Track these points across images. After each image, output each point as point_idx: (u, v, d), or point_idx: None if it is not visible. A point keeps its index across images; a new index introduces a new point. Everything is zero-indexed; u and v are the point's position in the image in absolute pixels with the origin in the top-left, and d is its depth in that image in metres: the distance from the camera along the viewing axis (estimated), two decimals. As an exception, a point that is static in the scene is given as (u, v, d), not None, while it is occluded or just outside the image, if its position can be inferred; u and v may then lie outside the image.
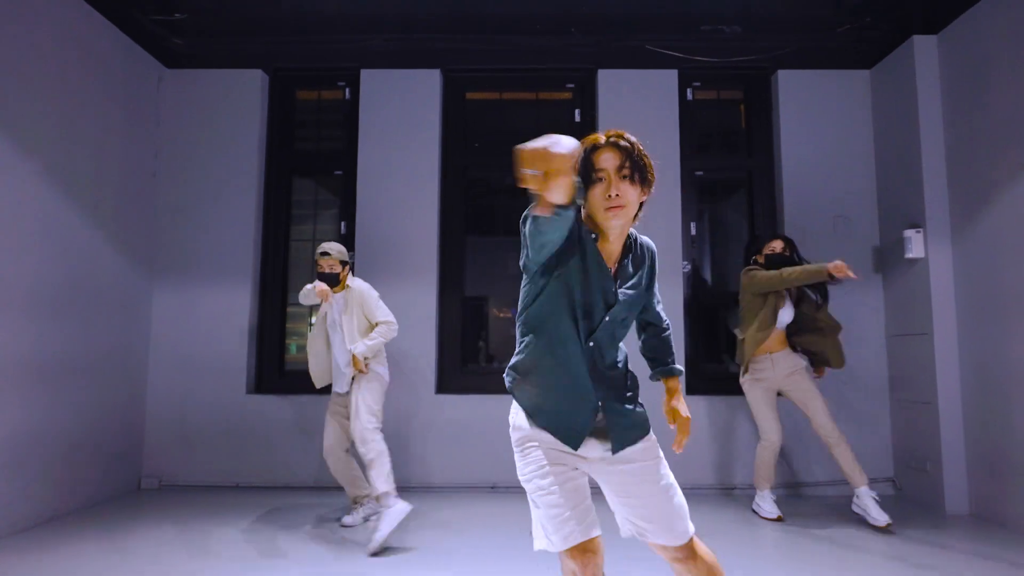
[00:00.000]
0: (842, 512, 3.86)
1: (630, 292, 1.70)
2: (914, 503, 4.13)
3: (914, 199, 4.19)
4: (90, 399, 3.96)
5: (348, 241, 4.75)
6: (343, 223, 4.85)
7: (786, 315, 3.79)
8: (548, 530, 1.58)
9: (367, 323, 3.60)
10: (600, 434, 1.67)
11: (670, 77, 4.78)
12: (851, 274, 3.41)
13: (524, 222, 1.54)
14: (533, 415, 1.68)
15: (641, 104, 4.75)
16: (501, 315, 5.19)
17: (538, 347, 1.68)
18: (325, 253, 3.59)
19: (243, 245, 4.68)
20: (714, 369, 4.83)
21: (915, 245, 4.08)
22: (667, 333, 1.95)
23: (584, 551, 1.55)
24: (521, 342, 1.72)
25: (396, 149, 4.75)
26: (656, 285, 1.85)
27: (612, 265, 1.69)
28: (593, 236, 1.65)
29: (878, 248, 4.57)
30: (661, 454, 1.73)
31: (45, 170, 3.61)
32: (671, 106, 4.75)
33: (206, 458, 4.50)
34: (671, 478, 1.71)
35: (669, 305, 4.56)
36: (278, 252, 4.86)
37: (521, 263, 1.67)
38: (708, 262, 5.12)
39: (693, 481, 4.40)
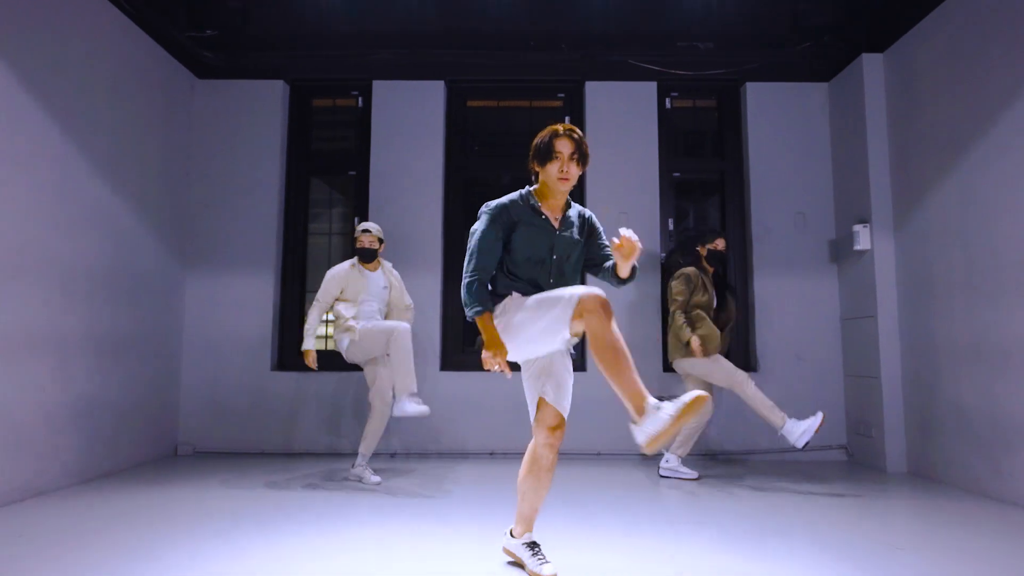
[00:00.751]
0: (768, 474, 4.42)
1: (568, 236, 2.40)
2: (862, 466, 4.69)
3: (862, 197, 4.75)
4: (135, 373, 4.50)
5: (361, 234, 5.30)
6: (356, 219, 5.39)
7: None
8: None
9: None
10: None
11: (650, 88, 5.34)
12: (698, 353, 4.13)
13: (473, 236, 2.42)
14: None
15: (624, 112, 5.30)
16: None
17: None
18: (367, 230, 4.15)
19: (266, 237, 5.22)
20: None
21: (862, 238, 4.64)
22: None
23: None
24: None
25: (405, 152, 5.30)
26: (603, 239, 2.53)
27: (556, 218, 2.41)
28: (533, 202, 2.40)
29: (833, 241, 5.14)
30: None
31: (98, 167, 4.14)
32: (651, 114, 5.31)
33: (234, 428, 5.03)
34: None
35: (647, 295, 5.12)
36: (297, 244, 5.40)
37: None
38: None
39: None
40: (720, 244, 4.39)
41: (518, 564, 2.46)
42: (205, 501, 3.51)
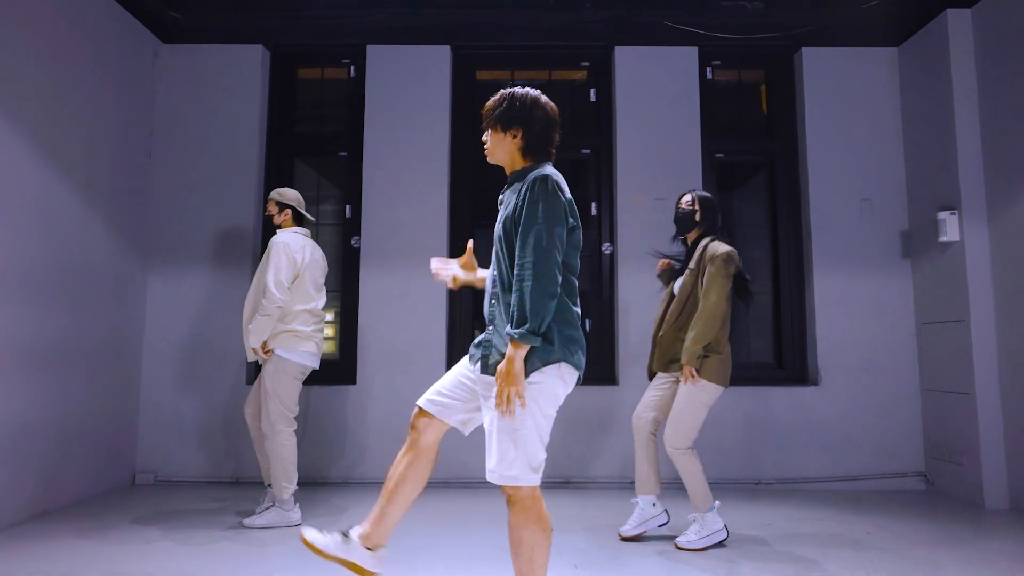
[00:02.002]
0: (836, 508, 3.68)
1: (502, 216, 1.93)
2: (949, 498, 3.95)
3: (947, 180, 4.01)
4: (82, 390, 3.74)
5: (354, 225, 4.55)
6: (348, 206, 4.64)
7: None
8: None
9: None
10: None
11: (690, 55, 4.59)
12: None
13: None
14: None
15: (659, 83, 4.56)
16: None
17: None
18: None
19: (242, 229, 4.47)
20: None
21: (949, 228, 3.91)
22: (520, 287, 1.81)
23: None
24: None
25: (404, 130, 4.54)
26: (526, 218, 1.82)
27: (501, 199, 2.02)
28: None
29: (906, 232, 4.40)
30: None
31: (34, 145, 3.37)
32: (691, 85, 4.57)
33: (203, 452, 4.28)
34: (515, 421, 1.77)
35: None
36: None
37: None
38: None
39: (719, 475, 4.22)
40: (683, 201, 3.16)
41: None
42: (161, 543, 2.79)
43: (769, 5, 4.51)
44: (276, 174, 4.68)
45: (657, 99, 4.55)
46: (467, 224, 4.66)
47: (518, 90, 2.00)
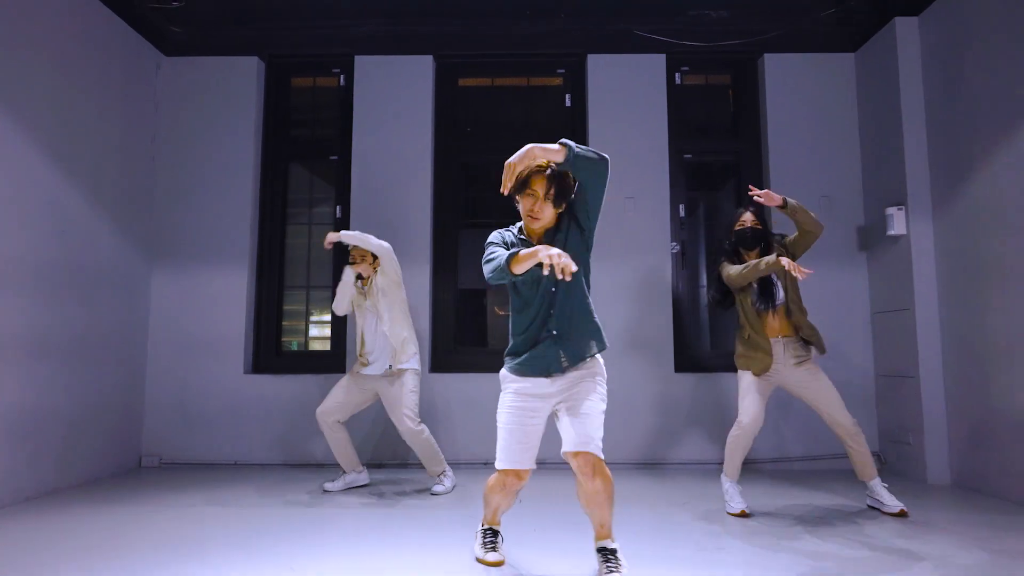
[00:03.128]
0: (802, 486, 3.95)
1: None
2: (898, 475, 4.21)
3: (896, 178, 4.27)
4: (90, 378, 4.06)
5: (343, 224, 4.85)
6: (338, 207, 4.94)
7: (778, 293, 3.35)
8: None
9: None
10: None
11: (658, 61, 4.87)
12: (802, 273, 3.02)
13: (488, 247, 2.27)
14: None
15: (630, 88, 4.83)
16: (501, 313, 5.18)
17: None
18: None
19: (240, 228, 4.78)
20: (699, 348, 4.92)
21: (897, 222, 4.17)
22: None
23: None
24: None
25: (389, 135, 4.84)
26: (589, 218, 2.30)
27: (536, 239, 2.29)
28: (521, 232, 2.35)
29: (862, 227, 4.66)
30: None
31: (46, 152, 3.70)
32: (659, 90, 4.84)
33: (205, 437, 4.59)
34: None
35: (657, 285, 4.65)
36: (275, 235, 4.96)
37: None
38: (703, 243, 5.20)
39: (683, 457, 4.49)
40: (747, 220, 3.40)
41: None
42: (169, 519, 3.09)
43: (733, 14, 4.81)
44: (271, 177, 4.99)
45: (628, 103, 4.82)
46: (449, 223, 4.95)
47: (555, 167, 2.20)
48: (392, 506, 3.44)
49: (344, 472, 3.83)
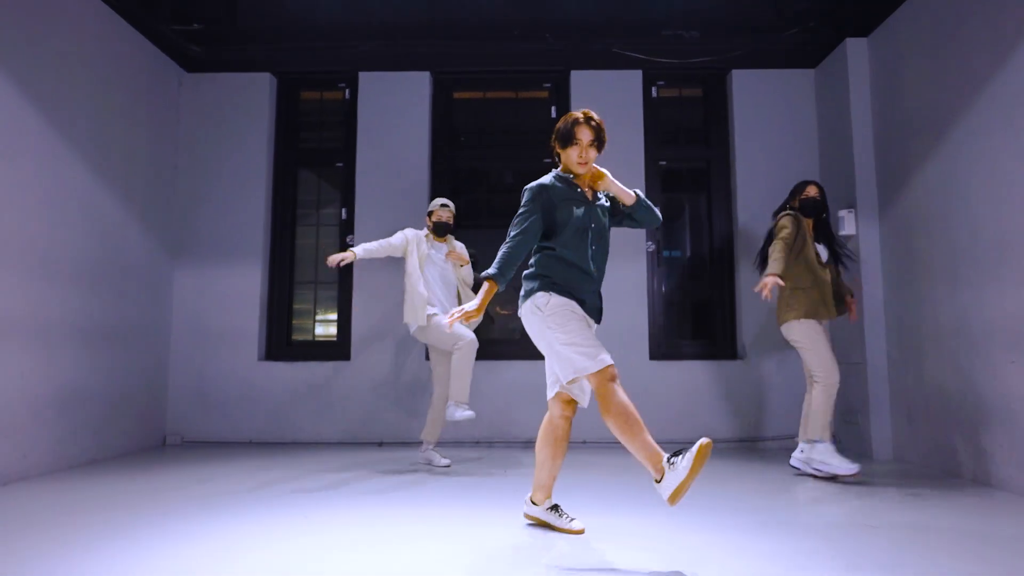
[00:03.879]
0: (755, 461, 4.40)
1: (600, 205, 2.64)
2: (850, 453, 4.64)
3: (848, 183, 4.72)
4: (122, 363, 4.54)
5: (349, 226, 5.33)
6: (344, 210, 5.42)
7: (823, 257, 3.92)
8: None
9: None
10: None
11: (635, 77, 5.33)
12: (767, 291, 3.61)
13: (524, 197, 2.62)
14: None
15: (610, 101, 5.29)
16: (503, 312, 5.59)
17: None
18: (445, 204, 4.28)
19: (254, 229, 5.26)
20: (674, 340, 5.37)
21: (848, 223, 4.61)
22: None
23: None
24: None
25: (391, 143, 5.32)
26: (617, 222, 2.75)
27: (588, 191, 2.64)
28: (570, 177, 2.63)
29: (820, 228, 5.10)
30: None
31: (84, 160, 4.18)
32: (636, 103, 5.31)
33: (222, 418, 5.07)
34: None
35: (634, 282, 5.11)
36: (286, 235, 5.44)
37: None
38: (686, 245, 5.66)
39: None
40: (811, 191, 3.92)
41: (542, 525, 2.69)
42: (188, 490, 3.54)
43: (704, 34, 5.26)
44: (283, 182, 5.47)
45: (607, 115, 5.13)
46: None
47: (597, 116, 2.62)
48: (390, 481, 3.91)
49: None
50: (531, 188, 2.59)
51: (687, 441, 4.87)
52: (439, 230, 4.27)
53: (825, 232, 4.00)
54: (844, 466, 3.62)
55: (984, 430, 3.53)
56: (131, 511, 2.93)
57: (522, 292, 2.59)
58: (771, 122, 5.24)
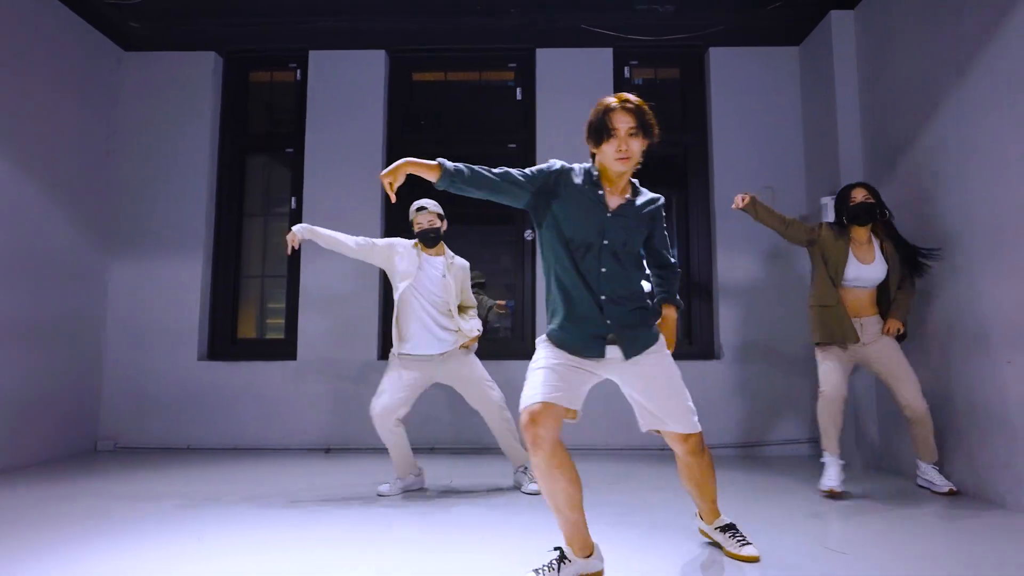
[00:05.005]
0: (736, 468, 4.03)
1: (625, 220, 2.11)
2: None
3: (832, 168, 4.35)
4: (41, 362, 4.17)
5: (297, 216, 4.96)
6: (293, 199, 5.05)
7: (870, 272, 3.36)
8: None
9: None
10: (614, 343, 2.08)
11: (606, 55, 4.96)
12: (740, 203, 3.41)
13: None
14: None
15: (578, 82, 4.92)
16: (501, 312, 5.21)
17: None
18: (422, 208, 3.40)
19: (196, 219, 4.89)
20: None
21: (830, 211, 4.22)
22: (672, 273, 2.35)
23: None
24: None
25: (342, 128, 4.95)
26: (664, 233, 2.30)
27: (615, 198, 2.12)
28: (595, 176, 2.12)
29: (804, 216, 4.73)
30: (670, 358, 2.18)
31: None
32: (607, 83, 4.93)
33: (160, 422, 4.71)
34: (679, 380, 2.15)
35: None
36: (231, 226, 5.07)
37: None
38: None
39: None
40: (858, 194, 3.36)
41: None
42: (117, 499, 3.18)
43: (680, 8, 4.87)
44: (228, 170, 5.10)
45: (576, 96, 4.87)
46: (398, 215, 5.05)
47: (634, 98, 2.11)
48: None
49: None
50: (551, 162, 2.17)
51: (660, 447, 4.53)
52: (425, 240, 3.43)
53: (894, 238, 3.41)
54: (831, 482, 3.25)
55: (977, 438, 3.16)
56: (49, 525, 2.58)
57: None
58: (753, 103, 4.86)
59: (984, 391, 3.12)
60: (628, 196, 2.16)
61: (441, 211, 3.46)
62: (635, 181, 2.22)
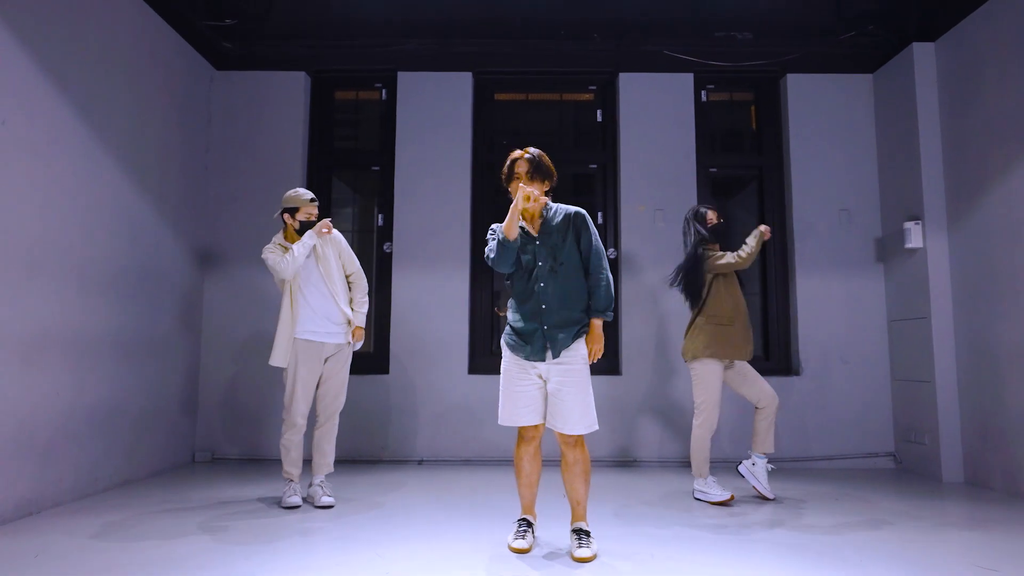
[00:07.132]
0: (800, 482, 4.20)
1: (550, 241, 2.67)
2: (914, 474, 4.47)
3: (913, 193, 4.53)
4: (155, 376, 4.29)
5: (387, 232, 5.10)
6: (380, 215, 5.19)
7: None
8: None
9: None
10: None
11: (686, 80, 5.13)
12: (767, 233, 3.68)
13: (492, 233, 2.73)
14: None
15: (659, 105, 5.09)
16: (501, 314, 5.39)
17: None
18: (314, 199, 3.60)
19: (288, 235, 5.00)
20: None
21: (914, 236, 4.42)
22: (601, 283, 2.68)
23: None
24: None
25: (430, 146, 5.09)
26: (592, 243, 2.70)
27: (533, 227, 2.72)
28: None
29: (880, 239, 4.92)
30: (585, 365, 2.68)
31: (120, 162, 3.93)
32: (687, 107, 5.10)
33: (253, 433, 4.82)
34: (587, 385, 2.65)
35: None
36: (320, 242, 5.18)
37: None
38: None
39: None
40: (711, 217, 3.76)
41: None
42: (222, 510, 3.31)
43: (758, 36, 5.07)
44: (316, 187, 5.22)
45: (657, 119, 5.08)
46: (486, 230, 5.20)
47: (535, 151, 2.74)
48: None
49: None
50: (491, 227, 2.78)
51: (741, 459, 4.69)
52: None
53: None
54: (720, 494, 3.60)
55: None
56: (175, 542, 2.70)
57: None
58: (827, 128, 5.05)
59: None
60: (546, 217, 2.70)
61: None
62: (548, 202, 2.74)
